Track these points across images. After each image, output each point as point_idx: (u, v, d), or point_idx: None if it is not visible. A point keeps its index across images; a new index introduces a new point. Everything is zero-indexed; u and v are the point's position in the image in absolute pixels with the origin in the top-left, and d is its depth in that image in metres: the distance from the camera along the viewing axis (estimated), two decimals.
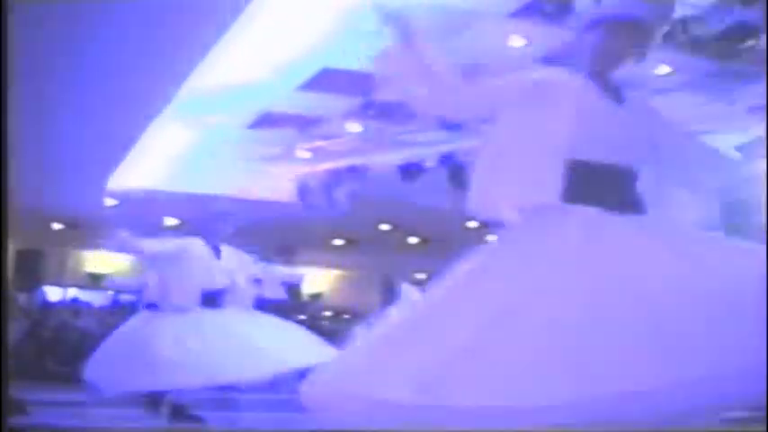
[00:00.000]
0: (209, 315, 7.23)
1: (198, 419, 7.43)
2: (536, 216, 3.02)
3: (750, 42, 8.48)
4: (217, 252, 7.51)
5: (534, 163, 3.04)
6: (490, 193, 3.13)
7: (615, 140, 3.09)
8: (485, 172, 3.16)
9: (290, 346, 7.04)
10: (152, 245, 7.50)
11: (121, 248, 7.70)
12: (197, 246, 7.47)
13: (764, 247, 2.72)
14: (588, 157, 3.05)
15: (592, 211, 2.95)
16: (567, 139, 3.04)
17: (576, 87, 3.17)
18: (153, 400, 7.57)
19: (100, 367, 7.30)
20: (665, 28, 3.23)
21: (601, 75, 3.20)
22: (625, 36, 3.17)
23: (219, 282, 7.43)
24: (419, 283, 12.04)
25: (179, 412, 7.38)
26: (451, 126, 11.31)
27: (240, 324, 7.18)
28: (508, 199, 3.10)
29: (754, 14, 8.03)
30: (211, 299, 7.35)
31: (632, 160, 3.12)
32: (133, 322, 7.63)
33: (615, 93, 3.22)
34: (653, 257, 2.74)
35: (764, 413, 2.38)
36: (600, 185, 3.03)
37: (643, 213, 3.08)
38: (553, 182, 3.01)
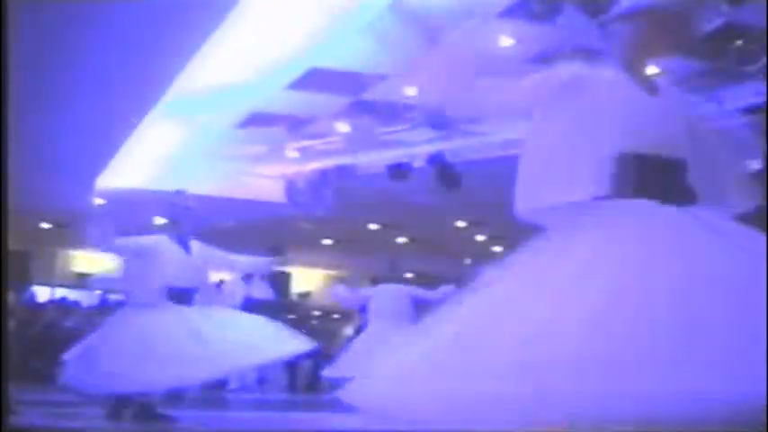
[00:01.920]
0: (173, 313, 7.17)
1: (168, 419, 7.35)
2: (582, 213, 2.96)
3: (738, 42, 8.49)
4: (186, 248, 7.44)
5: (578, 159, 3.00)
6: (536, 193, 3.06)
7: (657, 132, 3.04)
8: (529, 172, 3.10)
9: (254, 341, 6.98)
10: (124, 242, 7.50)
11: (100, 245, 7.67)
12: (165, 243, 7.43)
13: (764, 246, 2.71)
14: (633, 149, 2.99)
15: (643, 205, 2.90)
16: (609, 133, 2.99)
17: (611, 80, 3.12)
18: (116, 404, 7.46)
19: (77, 367, 7.31)
20: (700, 20, 3.17)
21: (633, 67, 3.17)
22: (658, 27, 3.15)
23: (188, 279, 7.37)
24: (407, 282, 12.07)
25: (146, 412, 7.30)
26: (439, 126, 11.32)
27: (200, 322, 7.10)
28: (554, 198, 3.02)
29: (742, 15, 8.05)
30: (180, 296, 7.29)
31: (677, 151, 3.05)
32: (109, 321, 7.64)
33: (650, 85, 3.16)
34: (706, 251, 2.73)
35: (764, 413, 2.36)
36: (652, 178, 2.97)
37: (693, 204, 3.02)
38: (598, 177, 2.96)
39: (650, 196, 2.93)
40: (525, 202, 3.07)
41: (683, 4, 3.12)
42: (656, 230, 2.80)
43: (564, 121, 3.06)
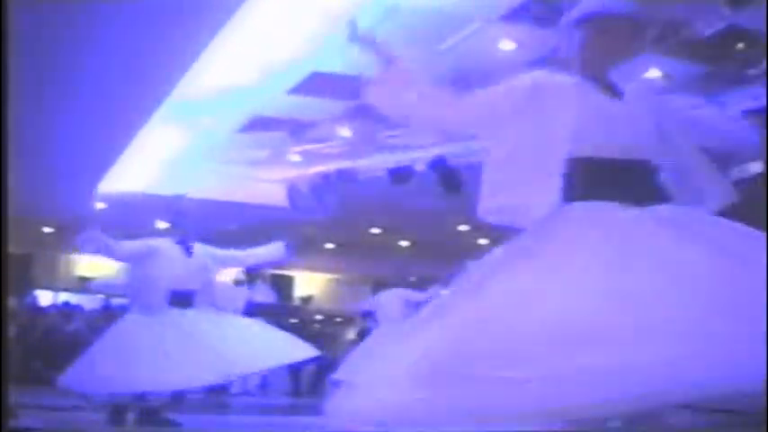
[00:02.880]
0: (175, 316, 7.18)
1: (170, 423, 7.37)
2: (547, 217, 3.02)
3: (740, 46, 8.49)
4: (188, 251, 7.44)
5: (539, 166, 3.06)
6: (499, 198, 3.13)
7: (621, 135, 3.10)
8: (493, 178, 3.16)
9: (256, 347, 7.00)
10: (123, 246, 7.50)
11: (95, 250, 7.69)
12: (166, 246, 7.44)
13: (764, 246, 2.72)
14: (596, 153, 3.07)
15: (605, 207, 2.96)
16: (570, 138, 3.06)
17: (572, 86, 3.18)
18: (117, 408, 7.46)
19: (77, 371, 7.29)
20: (656, 25, 3.27)
21: (595, 72, 3.22)
22: (614, 32, 3.20)
23: (190, 282, 7.38)
24: (410, 286, 12.07)
25: (149, 416, 7.31)
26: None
27: (203, 326, 7.12)
28: (517, 203, 3.10)
29: (744, 18, 8.04)
30: (182, 300, 7.30)
31: (643, 152, 3.11)
32: (114, 326, 7.63)
33: (613, 88, 3.23)
34: (671, 248, 2.74)
35: (764, 413, 2.37)
36: (613, 181, 3.04)
37: (662, 204, 3.06)
38: (557, 182, 3.03)
39: (610, 198, 2.99)
40: (487, 204, 3.15)
41: (633, 10, 3.18)
42: (616, 231, 2.84)
43: (526, 126, 3.12)
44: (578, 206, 3.03)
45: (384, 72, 3.26)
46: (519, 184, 3.09)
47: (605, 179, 3.05)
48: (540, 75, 3.25)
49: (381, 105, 3.37)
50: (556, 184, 3.04)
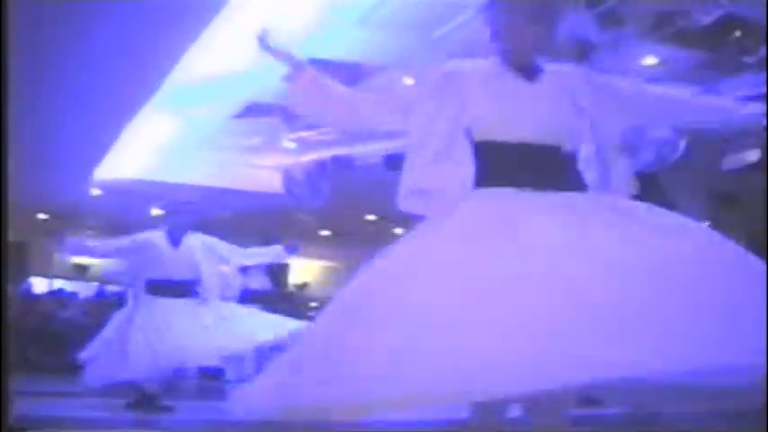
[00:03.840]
0: (172, 305, 7.25)
1: (166, 409, 7.44)
2: (455, 203, 3.05)
3: (737, 34, 8.48)
4: (176, 243, 7.51)
5: (448, 151, 3.12)
6: (416, 183, 3.22)
7: (531, 119, 3.11)
8: (410, 166, 3.27)
9: (249, 328, 7.09)
10: (108, 245, 7.62)
11: (79, 252, 7.83)
12: (156, 238, 7.51)
13: (764, 239, 2.73)
14: (505, 138, 3.09)
15: (507, 193, 2.99)
16: (479, 123, 3.12)
17: (485, 72, 3.22)
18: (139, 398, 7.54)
19: (94, 367, 7.44)
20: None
21: (513, 56, 3.23)
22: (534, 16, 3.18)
23: (180, 273, 7.44)
24: None
25: (148, 402, 7.40)
26: None
27: (200, 313, 7.20)
28: (432, 188, 3.17)
29: (741, 6, 8.03)
30: (171, 290, 7.37)
31: (555, 137, 3.12)
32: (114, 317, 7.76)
33: (529, 73, 3.22)
34: (579, 235, 2.75)
35: (764, 411, 2.37)
36: (519, 165, 3.06)
37: (574, 190, 3.08)
38: (466, 167, 3.09)
39: (519, 183, 3.01)
40: (405, 194, 3.28)
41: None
42: (518, 216, 2.87)
43: (437, 113, 3.18)
44: (481, 194, 3.06)
45: (295, 78, 3.50)
46: (433, 171, 3.16)
47: (515, 164, 3.07)
48: (453, 63, 3.32)
49: (296, 107, 3.45)
50: (468, 170, 3.10)
